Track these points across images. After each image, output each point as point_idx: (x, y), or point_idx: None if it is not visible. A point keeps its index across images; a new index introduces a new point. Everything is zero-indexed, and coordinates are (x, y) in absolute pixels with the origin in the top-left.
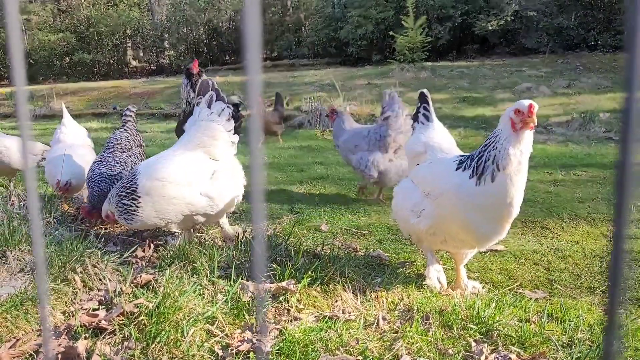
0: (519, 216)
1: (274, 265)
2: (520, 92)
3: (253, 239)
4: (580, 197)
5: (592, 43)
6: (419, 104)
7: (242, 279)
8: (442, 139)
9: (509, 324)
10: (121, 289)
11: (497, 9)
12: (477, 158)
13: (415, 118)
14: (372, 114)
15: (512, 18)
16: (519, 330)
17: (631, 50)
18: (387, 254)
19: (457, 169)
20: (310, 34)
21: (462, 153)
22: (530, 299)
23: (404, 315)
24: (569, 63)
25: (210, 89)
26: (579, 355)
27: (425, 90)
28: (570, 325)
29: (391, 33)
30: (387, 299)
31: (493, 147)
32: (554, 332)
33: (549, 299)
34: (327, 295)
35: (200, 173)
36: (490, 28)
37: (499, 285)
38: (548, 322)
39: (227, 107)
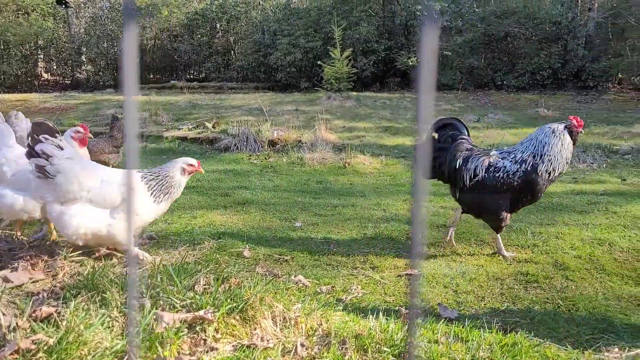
0: (432, 241)
1: (191, 294)
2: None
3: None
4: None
5: (499, 83)
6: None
7: (156, 309)
8: None
9: (419, 346)
10: (17, 323)
11: (417, 47)
12: None
13: None
14: (298, 140)
15: None
16: (428, 351)
17: (418, 92)
18: (308, 280)
19: None
20: (239, 57)
21: None
22: (440, 320)
23: (322, 341)
24: (479, 100)
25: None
26: None
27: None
28: (473, 344)
29: (319, 62)
30: (306, 325)
31: None
32: (458, 351)
33: (457, 320)
34: (247, 323)
35: None
36: (410, 63)
37: (413, 308)
38: (454, 342)
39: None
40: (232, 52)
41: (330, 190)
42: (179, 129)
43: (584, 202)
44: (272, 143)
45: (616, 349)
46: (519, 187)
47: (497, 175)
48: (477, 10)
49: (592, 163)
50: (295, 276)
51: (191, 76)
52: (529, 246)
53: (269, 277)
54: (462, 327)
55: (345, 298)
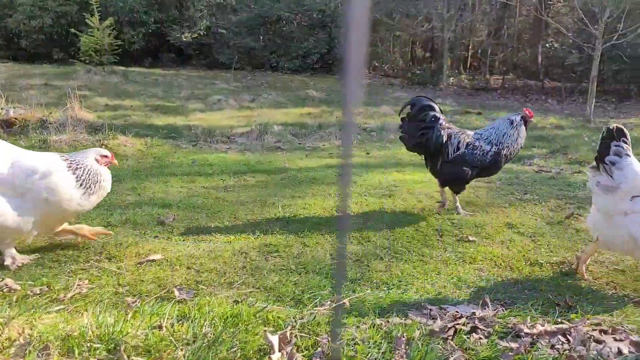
0: (183, 223)
1: None
2: (212, 103)
3: None
4: (244, 200)
5: (275, 64)
6: (616, 139)
7: None
8: None
9: (138, 335)
10: None
11: (191, 22)
12: None
13: (607, 153)
14: (43, 120)
15: (205, 33)
16: (147, 338)
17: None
18: (19, 283)
19: None
20: None
21: None
22: (172, 303)
23: (21, 351)
24: (255, 80)
25: None
26: (197, 349)
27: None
28: (196, 322)
29: (73, 30)
30: (1, 337)
31: None
32: (182, 332)
33: (191, 300)
34: None
35: None
36: (184, 39)
37: (148, 295)
38: (180, 323)
39: None
40: None
41: None
42: None
43: (334, 174)
44: (7, 124)
45: (328, 302)
46: (488, 164)
47: (475, 152)
48: None
49: None
50: (2, 280)
51: None
52: (276, 218)
53: None
54: (192, 306)
55: (64, 297)
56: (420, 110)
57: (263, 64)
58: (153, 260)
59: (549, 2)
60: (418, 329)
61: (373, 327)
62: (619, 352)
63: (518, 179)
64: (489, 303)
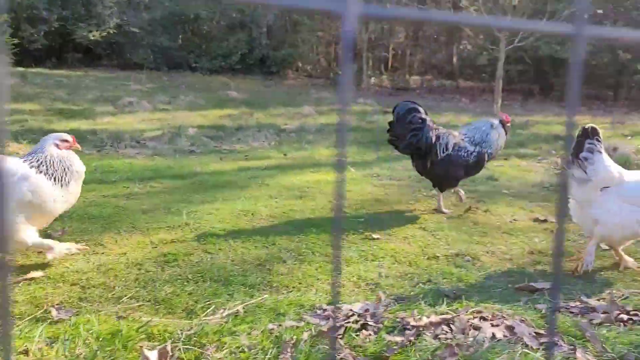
0: (74, 236)
1: None
2: (123, 106)
3: None
4: (146, 208)
5: (194, 64)
6: (590, 137)
7: None
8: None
9: None
10: None
11: (99, 20)
12: None
13: (581, 149)
14: None
15: (116, 31)
16: None
17: None
18: None
19: None
20: None
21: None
22: (46, 324)
23: None
24: (172, 81)
25: None
26: None
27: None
28: (68, 343)
29: None
30: None
31: None
32: (51, 355)
33: (70, 319)
34: None
35: None
36: (92, 38)
37: (21, 317)
38: (51, 346)
39: None
40: None
41: None
42: None
43: (247, 177)
44: None
45: (221, 310)
46: (472, 163)
47: (460, 153)
48: None
49: (264, 141)
50: None
51: None
52: (179, 226)
53: None
54: (68, 326)
55: None
56: (407, 112)
57: (181, 64)
58: (32, 279)
59: (459, 5)
60: (307, 331)
61: (264, 332)
62: (493, 337)
63: None
64: (383, 299)
